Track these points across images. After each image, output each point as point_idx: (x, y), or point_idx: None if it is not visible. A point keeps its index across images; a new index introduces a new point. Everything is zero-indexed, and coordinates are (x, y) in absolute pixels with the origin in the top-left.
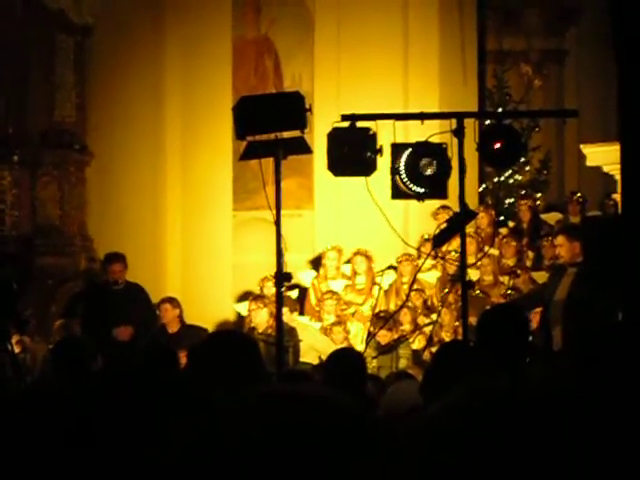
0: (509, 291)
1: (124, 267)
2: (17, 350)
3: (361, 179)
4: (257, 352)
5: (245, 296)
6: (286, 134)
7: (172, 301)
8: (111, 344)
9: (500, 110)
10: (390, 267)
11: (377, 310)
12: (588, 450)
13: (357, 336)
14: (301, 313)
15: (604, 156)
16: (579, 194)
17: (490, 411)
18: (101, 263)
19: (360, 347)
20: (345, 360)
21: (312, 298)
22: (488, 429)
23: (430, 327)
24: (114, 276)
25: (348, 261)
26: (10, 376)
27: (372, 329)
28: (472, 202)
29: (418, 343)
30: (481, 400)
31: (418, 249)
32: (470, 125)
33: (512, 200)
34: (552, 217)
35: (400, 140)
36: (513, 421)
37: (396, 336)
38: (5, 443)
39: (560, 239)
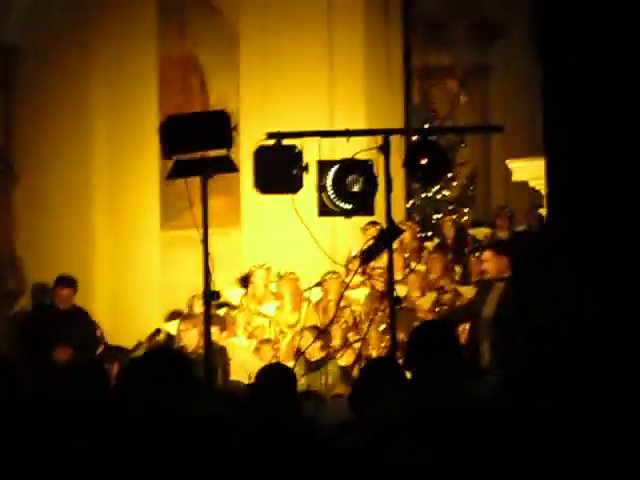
0: (437, 307)
1: (73, 292)
2: None
3: (288, 197)
4: (191, 370)
5: (174, 315)
6: (212, 153)
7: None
8: (49, 365)
9: (426, 126)
10: (318, 284)
11: (306, 325)
12: (518, 466)
13: (286, 354)
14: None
15: (530, 171)
16: (507, 208)
17: (426, 427)
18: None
19: (290, 364)
20: (274, 376)
21: (241, 317)
22: (424, 445)
23: (359, 343)
24: (63, 300)
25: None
26: None
27: (301, 343)
28: (399, 218)
29: (347, 359)
30: (416, 416)
31: (346, 266)
32: (396, 141)
33: (440, 216)
34: (480, 232)
35: (326, 157)
36: (447, 436)
37: (324, 353)
38: None
39: (487, 254)
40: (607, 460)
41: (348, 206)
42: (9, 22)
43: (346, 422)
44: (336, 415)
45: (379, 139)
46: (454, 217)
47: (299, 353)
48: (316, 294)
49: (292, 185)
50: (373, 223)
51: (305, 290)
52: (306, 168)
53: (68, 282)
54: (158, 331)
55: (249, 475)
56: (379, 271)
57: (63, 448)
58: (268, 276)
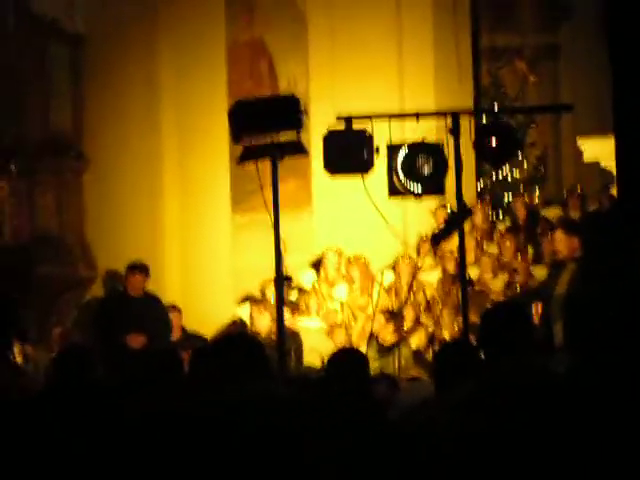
0: (510, 289)
1: (146, 278)
2: (19, 360)
3: (359, 179)
4: (264, 355)
5: (246, 300)
6: (282, 136)
7: (175, 308)
8: (123, 352)
9: (495, 107)
10: (390, 267)
11: (378, 308)
12: (589, 442)
13: (359, 337)
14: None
15: (600, 150)
16: (578, 188)
17: (500, 402)
18: (124, 272)
19: (362, 348)
20: (346, 360)
21: (313, 300)
22: (498, 420)
23: (431, 326)
24: (135, 286)
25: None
26: (12, 386)
27: (374, 326)
28: (470, 199)
29: (419, 342)
30: (490, 392)
31: (417, 249)
32: (466, 123)
33: (510, 197)
34: (552, 212)
35: (396, 139)
36: (522, 411)
37: (397, 336)
38: (8, 449)
39: (559, 234)
40: None
41: (418, 188)
42: (76, 11)
43: (426, 401)
44: (411, 397)
45: (449, 121)
46: (525, 198)
47: (372, 336)
48: (388, 277)
49: (363, 166)
50: (443, 206)
51: (377, 273)
52: (377, 150)
53: (140, 268)
54: (235, 322)
55: (321, 455)
56: (450, 253)
57: (137, 434)
58: (340, 259)
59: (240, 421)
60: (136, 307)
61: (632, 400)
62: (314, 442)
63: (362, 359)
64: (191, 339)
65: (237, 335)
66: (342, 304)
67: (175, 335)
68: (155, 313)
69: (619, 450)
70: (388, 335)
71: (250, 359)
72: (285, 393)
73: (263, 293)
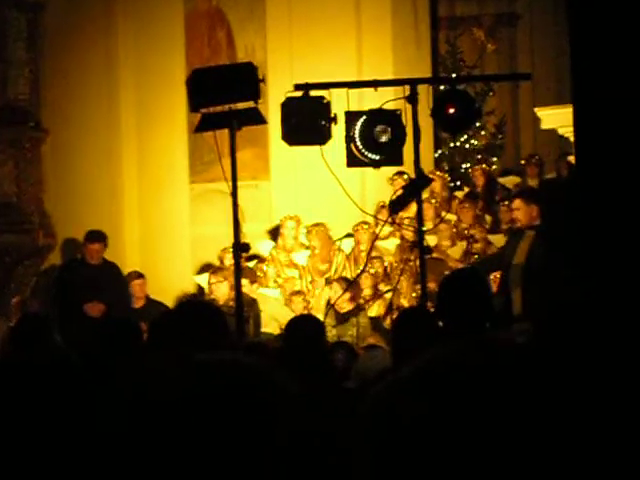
0: (468, 257)
1: (104, 247)
2: None
3: (317, 148)
4: (224, 321)
5: (205, 268)
6: (240, 105)
7: (140, 276)
8: (81, 320)
9: (454, 75)
10: (348, 235)
11: (336, 276)
12: (548, 417)
13: (317, 305)
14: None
15: (558, 118)
16: (536, 157)
17: (455, 374)
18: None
19: (320, 316)
20: (303, 327)
21: (271, 268)
22: (454, 392)
23: (390, 294)
24: (93, 255)
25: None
26: None
27: (331, 295)
28: (428, 168)
29: (378, 310)
30: (446, 363)
31: (375, 216)
32: (424, 91)
33: (468, 165)
34: (510, 181)
35: (354, 108)
36: (479, 384)
37: (354, 304)
38: None
39: (517, 202)
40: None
41: (376, 156)
42: None
43: (385, 370)
44: (369, 366)
45: (407, 89)
46: (484, 166)
47: (329, 305)
48: (347, 245)
49: (321, 136)
50: (401, 173)
51: (336, 240)
52: (334, 119)
53: (98, 237)
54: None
55: (277, 424)
56: (409, 221)
57: (94, 402)
58: (298, 227)
59: (204, 387)
60: (94, 275)
61: (592, 370)
62: (271, 410)
63: (319, 326)
64: (154, 307)
65: (195, 302)
66: (301, 272)
67: (139, 303)
68: (114, 281)
69: (581, 422)
70: (345, 303)
71: (210, 327)
72: (249, 360)
73: (222, 261)
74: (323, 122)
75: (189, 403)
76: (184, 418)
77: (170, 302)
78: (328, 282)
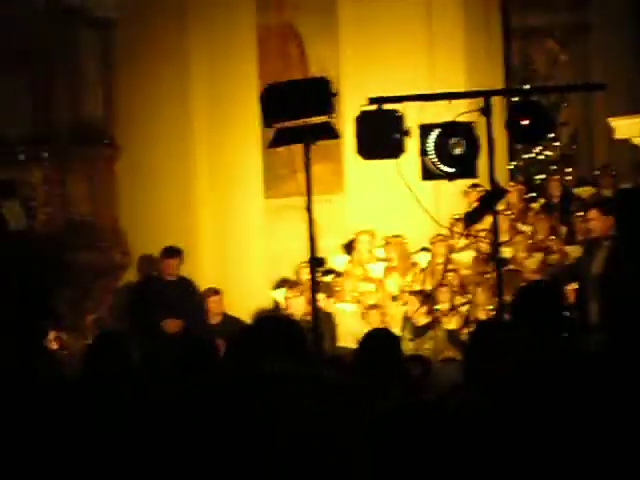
0: (544, 268)
1: (180, 262)
2: (55, 346)
3: (391, 162)
4: (303, 337)
5: (281, 283)
6: (314, 120)
7: (216, 292)
8: (159, 337)
9: (527, 87)
10: (423, 249)
11: (412, 289)
12: (623, 423)
13: (394, 319)
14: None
15: (632, 128)
16: (611, 166)
17: (535, 385)
18: (158, 257)
19: (397, 330)
20: (378, 341)
21: (347, 283)
22: (532, 401)
23: (466, 307)
24: (169, 270)
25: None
26: (48, 372)
27: (408, 308)
28: (502, 180)
29: (454, 323)
30: (525, 375)
31: (450, 229)
32: (498, 103)
33: (543, 176)
34: (584, 191)
35: (428, 120)
36: (556, 393)
37: (431, 318)
38: (43, 436)
39: (593, 213)
40: None
41: (451, 169)
42: None
43: (458, 384)
44: (445, 378)
45: (480, 101)
46: (559, 177)
47: (406, 318)
48: (423, 258)
49: (394, 150)
50: (475, 186)
51: (412, 254)
52: (407, 132)
53: (174, 252)
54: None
55: (354, 436)
56: (484, 233)
57: (171, 420)
58: (372, 241)
59: (283, 400)
60: (171, 291)
61: None
62: (349, 424)
63: (394, 339)
64: (231, 323)
65: (274, 317)
66: (377, 286)
67: (216, 319)
68: (190, 297)
69: None
70: (422, 317)
71: (289, 342)
72: (326, 374)
73: (298, 276)
74: (397, 135)
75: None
76: (266, 436)
77: (247, 318)
78: (404, 297)
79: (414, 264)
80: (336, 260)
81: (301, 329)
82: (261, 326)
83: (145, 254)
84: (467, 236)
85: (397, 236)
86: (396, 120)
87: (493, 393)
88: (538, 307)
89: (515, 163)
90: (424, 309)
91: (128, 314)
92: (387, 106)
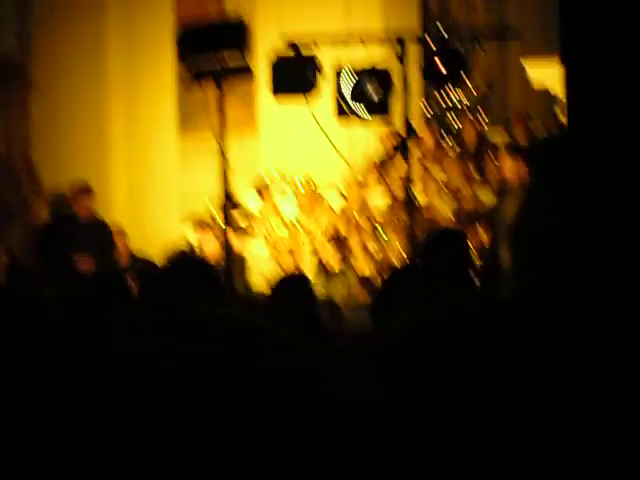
0: (458, 214)
1: (92, 200)
2: None
3: (305, 104)
4: (218, 278)
5: (195, 223)
6: (228, 59)
7: (122, 233)
8: (71, 274)
9: (442, 31)
10: (339, 194)
11: (325, 234)
12: (532, 373)
13: (307, 264)
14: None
15: (546, 75)
16: (525, 113)
17: (444, 326)
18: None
19: (309, 275)
20: (292, 285)
21: (259, 225)
22: (443, 343)
23: (380, 253)
24: (82, 208)
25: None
26: None
27: (321, 253)
28: (417, 125)
29: (368, 269)
30: (434, 316)
31: (364, 174)
32: (414, 47)
33: (458, 124)
34: (498, 137)
35: (341, 60)
36: (469, 333)
37: (344, 264)
38: None
39: (506, 160)
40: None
41: (366, 112)
42: None
43: (368, 331)
44: (357, 324)
45: (396, 46)
46: (474, 123)
47: (319, 263)
48: (335, 201)
49: (307, 86)
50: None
51: (326, 198)
52: (320, 70)
53: (87, 190)
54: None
55: (268, 381)
56: (399, 179)
57: (87, 356)
58: (284, 182)
59: (210, 345)
60: (83, 229)
61: (575, 326)
62: (262, 368)
63: (307, 284)
64: (139, 262)
65: (189, 258)
66: (289, 225)
67: (122, 259)
68: (102, 236)
69: (563, 381)
70: (335, 262)
71: (204, 282)
72: (246, 316)
73: (212, 217)
74: (311, 75)
75: (190, 361)
76: (188, 378)
77: (158, 256)
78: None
79: (328, 208)
80: (250, 202)
81: (215, 271)
82: (176, 267)
83: (57, 191)
84: (382, 181)
85: (307, 178)
86: (310, 61)
87: (400, 339)
88: (444, 253)
89: (431, 111)
90: (337, 255)
91: (40, 252)
92: (302, 50)
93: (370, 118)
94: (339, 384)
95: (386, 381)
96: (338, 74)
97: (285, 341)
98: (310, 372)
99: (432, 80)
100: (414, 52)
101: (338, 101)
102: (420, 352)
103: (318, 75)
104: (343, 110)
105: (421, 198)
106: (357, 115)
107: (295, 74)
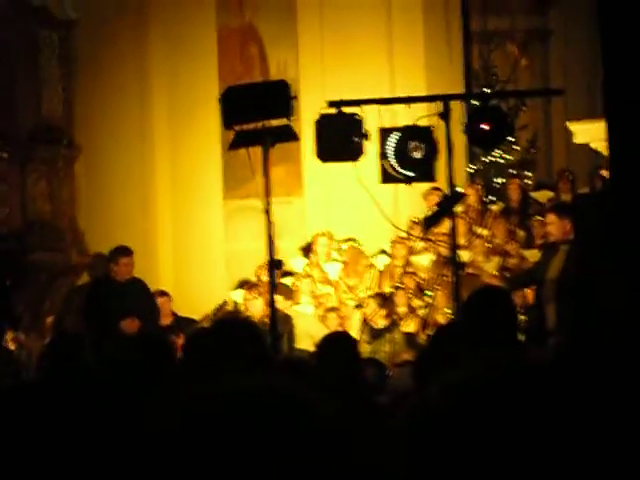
0: (502, 272)
1: (132, 262)
2: (12, 347)
3: (350, 165)
4: (263, 339)
5: (241, 285)
6: (273, 122)
7: (165, 294)
8: (117, 337)
9: (486, 91)
10: (382, 252)
11: (370, 292)
12: (584, 429)
13: (352, 322)
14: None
15: (590, 133)
16: (569, 171)
17: (489, 388)
18: (107, 256)
19: (354, 333)
20: (336, 344)
21: (305, 284)
22: (488, 407)
23: (425, 310)
24: (123, 270)
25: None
26: (5, 372)
27: (366, 311)
28: (461, 183)
29: (413, 326)
30: (479, 378)
31: (408, 232)
32: (457, 107)
33: (502, 180)
34: (543, 195)
35: (387, 125)
36: (513, 397)
37: (389, 321)
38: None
39: (551, 217)
40: None
41: (410, 173)
42: None
43: (410, 391)
44: (402, 382)
45: (440, 105)
46: (518, 181)
47: (364, 321)
48: (381, 261)
49: (353, 152)
50: (435, 189)
51: (370, 257)
52: (366, 135)
53: (127, 251)
54: (225, 303)
55: (311, 442)
56: (443, 237)
57: (131, 424)
58: (331, 244)
59: (240, 416)
60: (125, 292)
61: (621, 386)
62: (305, 428)
63: (352, 342)
64: (182, 323)
65: (234, 319)
66: (334, 285)
67: (166, 320)
68: (144, 298)
69: (609, 439)
70: (380, 319)
71: (248, 342)
72: (283, 385)
73: (258, 278)
74: (356, 138)
75: (222, 434)
76: (215, 448)
77: (203, 317)
78: (359, 305)
79: (371, 266)
80: (294, 262)
81: (260, 331)
82: (221, 327)
83: (98, 253)
84: (423, 239)
85: (350, 239)
86: (355, 123)
87: (440, 399)
88: (489, 312)
89: (474, 167)
90: (382, 312)
91: (83, 315)
92: (346, 110)
93: (413, 177)
94: (369, 450)
95: (412, 452)
96: (382, 134)
97: (321, 418)
98: (340, 440)
99: (476, 140)
100: (458, 111)
101: (383, 165)
102: (449, 423)
103: (363, 139)
104: (388, 175)
105: (465, 255)
106: (401, 176)
107: (341, 137)
